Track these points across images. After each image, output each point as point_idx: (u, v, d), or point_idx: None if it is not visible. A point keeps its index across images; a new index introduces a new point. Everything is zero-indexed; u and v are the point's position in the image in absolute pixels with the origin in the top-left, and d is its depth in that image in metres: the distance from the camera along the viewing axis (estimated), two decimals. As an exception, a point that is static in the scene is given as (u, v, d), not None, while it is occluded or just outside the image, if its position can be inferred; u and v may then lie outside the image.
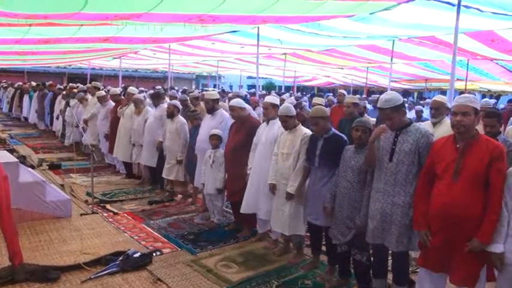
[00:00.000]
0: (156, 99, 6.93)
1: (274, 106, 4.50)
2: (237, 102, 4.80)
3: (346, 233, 3.41)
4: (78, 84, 12.52)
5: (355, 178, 3.36)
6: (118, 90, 8.07)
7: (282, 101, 7.10)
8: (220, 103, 7.43)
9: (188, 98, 7.62)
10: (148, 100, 8.59)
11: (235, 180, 4.74)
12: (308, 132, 4.00)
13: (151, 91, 9.98)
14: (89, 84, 11.03)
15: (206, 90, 9.16)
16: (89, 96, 9.21)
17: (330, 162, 3.62)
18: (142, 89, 15.53)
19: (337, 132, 3.85)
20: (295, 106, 4.93)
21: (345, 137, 3.77)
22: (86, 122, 8.29)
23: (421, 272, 2.97)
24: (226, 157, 4.87)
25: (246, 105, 5.22)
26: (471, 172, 2.62)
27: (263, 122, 4.76)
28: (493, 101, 6.31)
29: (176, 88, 16.80)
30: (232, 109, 4.79)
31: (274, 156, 4.19)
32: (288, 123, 4.06)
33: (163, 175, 6.12)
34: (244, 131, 4.73)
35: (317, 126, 3.73)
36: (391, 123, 3.05)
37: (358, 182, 3.35)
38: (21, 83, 17.12)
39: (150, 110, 6.93)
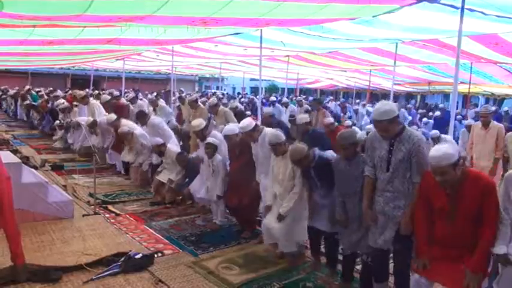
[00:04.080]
0: (142, 118, 7.00)
1: (253, 130, 4.49)
2: (231, 130, 4.85)
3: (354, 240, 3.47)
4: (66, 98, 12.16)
5: (354, 187, 3.41)
6: (114, 117, 7.64)
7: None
8: (220, 107, 7.48)
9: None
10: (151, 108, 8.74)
11: (238, 191, 4.76)
12: None
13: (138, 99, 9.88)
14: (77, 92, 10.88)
15: (206, 94, 9.23)
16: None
17: (328, 182, 3.68)
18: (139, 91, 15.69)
19: (321, 154, 3.81)
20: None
21: (329, 157, 3.76)
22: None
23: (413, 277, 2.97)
24: (231, 177, 4.89)
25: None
26: (466, 213, 2.66)
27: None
28: (493, 108, 6.38)
29: (176, 94, 16.89)
30: (228, 138, 4.86)
31: (269, 180, 4.22)
32: (278, 150, 4.05)
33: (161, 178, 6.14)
34: (245, 153, 4.75)
35: (301, 166, 3.77)
36: (386, 134, 3.08)
37: (357, 190, 3.40)
38: (17, 88, 17.20)
39: (139, 134, 6.89)
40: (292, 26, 8.04)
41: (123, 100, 9.82)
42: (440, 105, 16.50)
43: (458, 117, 11.80)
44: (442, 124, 10.23)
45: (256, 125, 4.58)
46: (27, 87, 16.65)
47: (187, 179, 5.72)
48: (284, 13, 6.07)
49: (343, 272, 3.72)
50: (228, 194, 4.95)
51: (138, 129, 6.97)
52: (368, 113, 13.34)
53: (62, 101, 10.73)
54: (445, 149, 2.59)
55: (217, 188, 4.95)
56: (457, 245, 2.70)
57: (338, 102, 16.38)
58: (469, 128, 7.23)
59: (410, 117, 9.81)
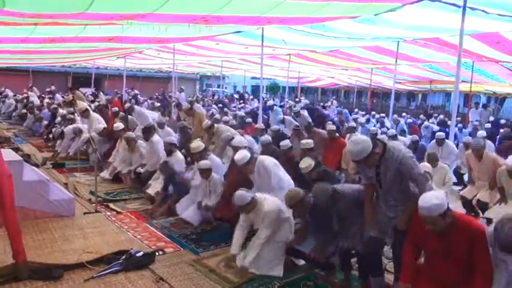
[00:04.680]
0: (147, 133, 6.81)
1: (248, 163, 4.42)
2: (239, 142, 4.96)
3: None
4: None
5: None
6: (121, 126, 7.52)
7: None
8: (216, 126, 7.25)
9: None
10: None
11: (229, 204, 4.54)
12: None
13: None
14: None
15: (207, 93, 9.17)
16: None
17: (324, 220, 3.62)
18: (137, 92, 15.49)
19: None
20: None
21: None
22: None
23: None
24: (226, 194, 4.77)
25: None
26: (457, 256, 2.69)
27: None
28: (482, 141, 6.13)
29: (175, 94, 16.90)
30: (235, 149, 4.90)
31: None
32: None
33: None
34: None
35: (295, 211, 3.72)
36: (368, 166, 3.13)
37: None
38: (16, 96, 17.03)
39: (142, 144, 6.85)
40: (293, 24, 8.03)
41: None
42: (440, 117, 15.93)
43: (459, 125, 11.64)
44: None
45: (251, 157, 4.44)
46: (25, 94, 16.45)
47: (170, 192, 5.58)
48: (286, 11, 6.06)
49: (341, 263, 3.68)
50: (219, 205, 4.83)
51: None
52: (367, 121, 13.08)
53: (64, 112, 10.04)
54: (434, 200, 2.59)
55: (210, 201, 4.89)
56: (450, 283, 2.74)
57: (335, 112, 15.83)
58: (466, 146, 7.12)
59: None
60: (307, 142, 6.01)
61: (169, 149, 5.96)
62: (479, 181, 5.79)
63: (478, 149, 5.78)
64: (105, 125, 8.20)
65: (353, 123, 10.43)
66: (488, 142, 8.15)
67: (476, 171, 5.90)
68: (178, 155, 5.97)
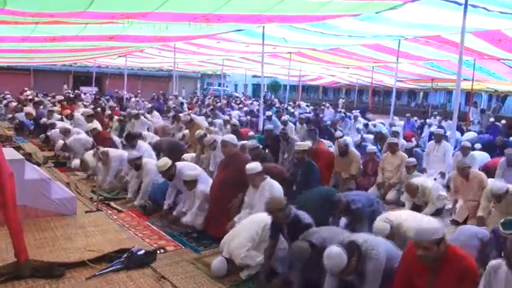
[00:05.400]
0: (131, 140, 6.64)
1: (259, 174, 4.30)
2: (230, 138, 4.84)
3: None
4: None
5: None
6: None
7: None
8: (208, 137, 6.86)
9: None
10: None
11: (218, 216, 4.55)
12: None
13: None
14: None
15: (208, 92, 9.01)
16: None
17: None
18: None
19: (297, 213, 3.54)
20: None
21: (305, 219, 3.50)
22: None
23: None
24: (212, 192, 4.74)
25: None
26: None
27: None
28: (468, 163, 5.70)
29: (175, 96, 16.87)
30: (224, 145, 4.77)
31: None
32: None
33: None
34: (233, 167, 4.62)
35: (274, 217, 3.54)
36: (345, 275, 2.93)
37: None
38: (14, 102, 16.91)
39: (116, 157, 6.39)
40: (294, 22, 8.02)
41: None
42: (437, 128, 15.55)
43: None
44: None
45: (262, 170, 4.33)
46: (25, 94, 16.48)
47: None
48: (287, 9, 6.06)
49: None
50: (211, 222, 4.69)
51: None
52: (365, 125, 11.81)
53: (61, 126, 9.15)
54: (432, 224, 2.47)
55: (198, 218, 4.78)
56: None
57: (337, 117, 14.48)
58: (463, 150, 6.91)
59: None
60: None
61: (136, 163, 5.72)
62: (468, 202, 5.38)
63: (462, 169, 5.40)
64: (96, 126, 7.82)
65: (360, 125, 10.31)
66: (484, 155, 7.93)
67: (461, 192, 5.48)
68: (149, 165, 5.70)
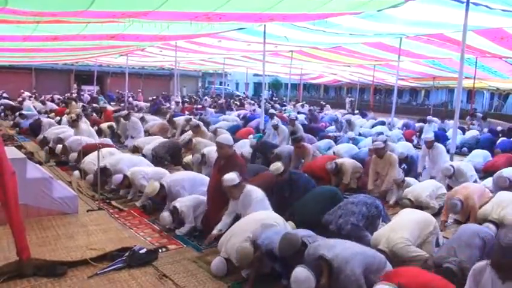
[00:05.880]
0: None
1: (237, 186, 4.09)
2: (225, 139, 4.67)
3: None
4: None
5: None
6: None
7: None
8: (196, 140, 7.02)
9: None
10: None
11: (216, 216, 4.46)
12: None
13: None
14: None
15: (210, 91, 8.98)
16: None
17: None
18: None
19: (268, 245, 3.39)
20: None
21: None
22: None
23: None
24: (209, 194, 4.71)
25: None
26: None
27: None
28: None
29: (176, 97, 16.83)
30: (220, 146, 4.62)
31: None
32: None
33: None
34: (229, 169, 4.47)
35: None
36: None
37: None
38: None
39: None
40: (296, 21, 8.00)
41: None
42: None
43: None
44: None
45: (240, 182, 4.09)
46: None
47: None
48: (288, 8, 6.05)
49: None
50: (209, 222, 4.59)
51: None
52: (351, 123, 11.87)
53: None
54: None
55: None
56: None
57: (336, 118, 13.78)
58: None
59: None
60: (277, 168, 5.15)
61: (124, 185, 5.77)
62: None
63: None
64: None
65: (351, 133, 10.19)
66: (484, 153, 8.03)
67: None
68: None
